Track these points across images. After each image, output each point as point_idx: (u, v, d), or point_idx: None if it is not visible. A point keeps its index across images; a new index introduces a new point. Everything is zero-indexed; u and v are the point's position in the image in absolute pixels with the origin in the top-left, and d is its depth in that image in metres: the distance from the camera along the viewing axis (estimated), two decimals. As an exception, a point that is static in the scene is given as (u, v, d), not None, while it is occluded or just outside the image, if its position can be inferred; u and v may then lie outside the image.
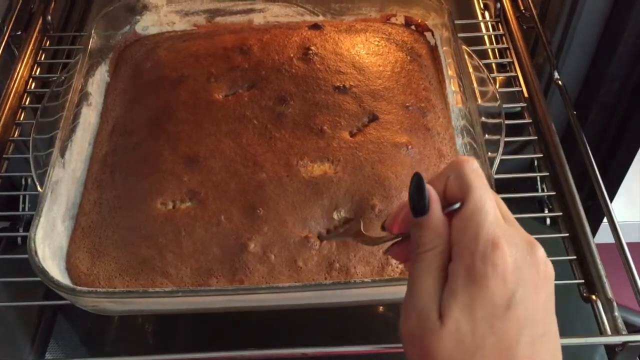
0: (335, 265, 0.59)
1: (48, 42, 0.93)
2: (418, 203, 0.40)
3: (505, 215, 0.40)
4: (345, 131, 0.68)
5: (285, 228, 0.61)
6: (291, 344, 0.61)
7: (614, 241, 0.67)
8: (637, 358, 0.64)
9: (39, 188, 0.64)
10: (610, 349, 0.63)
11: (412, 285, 0.40)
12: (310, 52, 0.76)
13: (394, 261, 0.60)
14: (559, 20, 0.83)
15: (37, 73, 0.89)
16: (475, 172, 0.40)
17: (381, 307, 0.92)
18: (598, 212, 0.75)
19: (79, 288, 0.57)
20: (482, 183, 0.40)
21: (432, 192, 0.40)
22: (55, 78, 0.81)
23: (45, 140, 0.72)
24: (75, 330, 0.92)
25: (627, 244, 0.66)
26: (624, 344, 0.60)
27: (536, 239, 0.62)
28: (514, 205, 0.74)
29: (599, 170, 0.74)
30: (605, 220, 0.71)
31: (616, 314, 0.62)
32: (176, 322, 0.88)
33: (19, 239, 0.83)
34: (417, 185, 0.40)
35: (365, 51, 0.77)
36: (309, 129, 0.68)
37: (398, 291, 0.57)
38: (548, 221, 0.78)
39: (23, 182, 0.84)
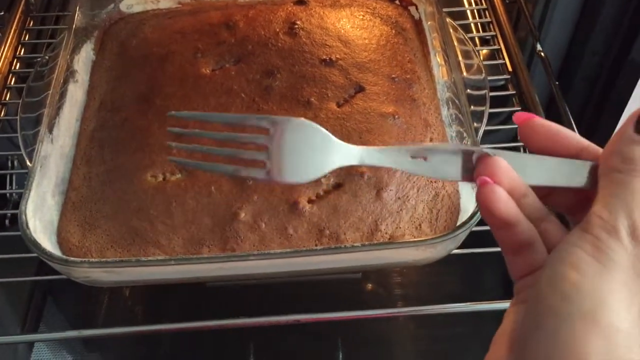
0: (326, 232, 0.60)
1: (31, 23, 0.92)
2: None
3: None
4: (332, 102, 0.69)
5: (274, 196, 0.61)
6: (284, 312, 0.62)
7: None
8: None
9: (28, 163, 0.64)
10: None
11: None
12: (296, 26, 0.77)
13: (382, 227, 0.61)
14: (541, -6, 0.84)
15: (21, 53, 0.89)
16: None
17: (370, 285, 0.94)
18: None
19: (71, 258, 0.57)
20: None
21: None
22: (40, 58, 0.80)
23: (32, 119, 0.72)
24: (65, 313, 0.92)
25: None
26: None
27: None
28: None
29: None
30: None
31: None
32: (167, 302, 0.89)
33: (7, 220, 0.83)
34: None
35: (351, 25, 0.78)
36: (297, 100, 0.68)
37: (387, 255, 0.58)
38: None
39: (9, 163, 0.84)
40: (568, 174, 0.38)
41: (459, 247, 0.63)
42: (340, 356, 0.84)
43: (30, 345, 0.86)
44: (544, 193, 0.39)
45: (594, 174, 0.37)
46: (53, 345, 0.88)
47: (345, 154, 0.40)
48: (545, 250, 0.38)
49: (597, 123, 0.92)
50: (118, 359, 0.89)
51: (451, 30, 0.76)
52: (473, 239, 0.64)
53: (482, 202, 0.37)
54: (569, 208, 0.39)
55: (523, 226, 0.37)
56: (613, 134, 0.36)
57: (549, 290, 0.33)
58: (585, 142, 0.38)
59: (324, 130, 0.40)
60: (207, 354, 0.86)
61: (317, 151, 0.40)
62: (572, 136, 0.38)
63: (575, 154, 0.38)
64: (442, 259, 0.63)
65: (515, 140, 0.82)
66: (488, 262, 0.94)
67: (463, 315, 0.82)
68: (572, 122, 0.75)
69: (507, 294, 0.93)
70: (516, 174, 0.37)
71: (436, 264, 0.68)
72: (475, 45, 0.91)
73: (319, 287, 0.86)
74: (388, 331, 0.90)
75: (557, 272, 0.33)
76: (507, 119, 0.85)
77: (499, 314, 0.69)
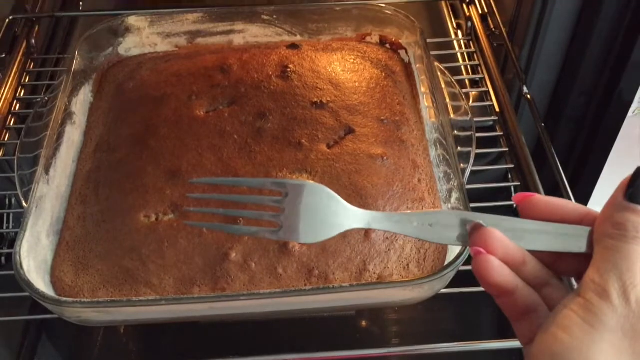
0: (315, 272, 0.61)
1: (32, 65, 0.95)
2: None
3: None
4: (322, 144, 0.70)
5: (265, 237, 0.62)
6: (279, 349, 0.63)
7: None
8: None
9: (24, 204, 0.66)
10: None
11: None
12: (289, 70, 0.79)
13: (371, 267, 0.62)
14: (527, 38, 0.87)
15: (21, 95, 0.91)
16: None
17: (364, 322, 0.94)
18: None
19: (64, 299, 0.58)
20: None
21: None
22: (39, 99, 0.83)
23: (30, 160, 0.74)
24: (59, 350, 0.92)
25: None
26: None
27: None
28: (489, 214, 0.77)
29: (569, 183, 0.77)
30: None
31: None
32: (162, 339, 0.89)
33: (3, 259, 0.84)
34: None
35: (342, 68, 0.80)
36: (288, 142, 0.70)
37: (375, 295, 0.59)
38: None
39: (7, 202, 0.85)
40: (569, 240, 0.40)
41: (450, 286, 0.64)
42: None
43: (23, 384, 0.86)
44: (550, 260, 0.41)
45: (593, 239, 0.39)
46: (46, 384, 0.88)
47: (354, 217, 0.43)
48: (549, 315, 0.39)
49: (585, 163, 0.94)
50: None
51: (439, 74, 0.78)
52: (468, 277, 0.66)
53: (477, 271, 0.39)
54: (577, 274, 0.40)
55: (522, 293, 0.39)
56: (606, 202, 0.38)
57: (542, 351, 0.35)
58: (585, 209, 0.40)
59: (336, 195, 0.43)
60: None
61: (329, 215, 0.43)
62: (572, 207, 0.41)
63: (577, 223, 0.40)
64: (438, 297, 0.64)
65: (504, 180, 0.84)
66: (483, 300, 0.95)
67: (457, 352, 0.83)
68: (558, 163, 0.77)
69: (500, 333, 0.93)
70: (512, 243, 0.39)
71: (431, 302, 0.69)
72: (465, 87, 0.93)
73: (314, 325, 0.87)
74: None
75: (549, 334, 0.35)
76: (496, 159, 0.87)
77: (492, 351, 0.70)
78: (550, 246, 0.40)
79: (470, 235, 0.40)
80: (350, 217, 0.43)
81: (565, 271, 0.41)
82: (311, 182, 0.43)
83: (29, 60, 0.95)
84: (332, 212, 0.43)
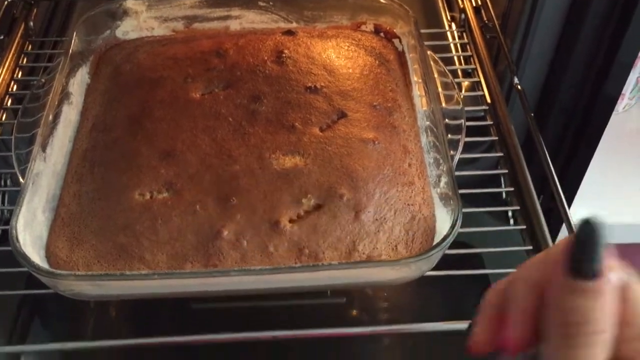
0: (305, 251, 0.62)
1: (30, 47, 0.95)
2: (591, 258, 0.28)
3: None
4: (315, 127, 0.72)
5: (256, 215, 0.64)
6: (262, 328, 0.64)
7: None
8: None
9: (21, 180, 0.67)
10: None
11: None
12: (284, 55, 0.80)
13: (360, 247, 0.63)
14: (518, 31, 0.88)
15: (19, 76, 0.91)
16: None
17: (354, 311, 0.95)
18: (559, 217, 0.78)
19: (58, 271, 0.59)
20: None
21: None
22: (36, 81, 0.84)
23: (27, 139, 0.74)
24: (52, 328, 0.93)
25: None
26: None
27: (497, 232, 0.65)
28: (477, 202, 0.78)
29: (559, 173, 0.78)
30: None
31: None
32: (154, 319, 0.90)
33: (-2, 236, 0.85)
34: (591, 234, 0.28)
35: (336, 55, 0.81)
36: (281, 125, 0.72)
37: (363, 274, 0.61)
38: (511, 215, 0.82)
39: (3, 181, 0.86)
40: None
41: (438, 269, 0.65)
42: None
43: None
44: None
45: None
46: (40, 361, 0.89)
47: None
48: None
49: (574, 154, 0.96)
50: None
51: (432, 63, 0.80)
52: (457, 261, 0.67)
53: None
54: None
55: None
56: None
57: None
58: None
59: None
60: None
61: None
62: None
63: None
64: (428, 285, 0.65)
65: (495, 168, 0.85)
66: (472, 286, 0.97)
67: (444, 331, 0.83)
68: (546, 152, 0.78)
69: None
70: None
71: (420, 289, 0.69)
72: (458, 77, 0.94)
73: (304, 313, 0.88)
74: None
75: None
76: (488, 148, 0.88)
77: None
78: None
79: None
80: None
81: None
82: None
83: (27, 42, 0.96)
84: None
